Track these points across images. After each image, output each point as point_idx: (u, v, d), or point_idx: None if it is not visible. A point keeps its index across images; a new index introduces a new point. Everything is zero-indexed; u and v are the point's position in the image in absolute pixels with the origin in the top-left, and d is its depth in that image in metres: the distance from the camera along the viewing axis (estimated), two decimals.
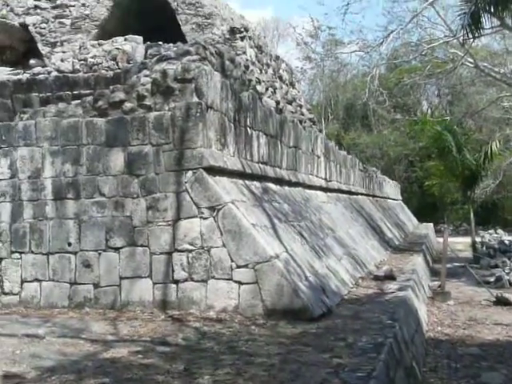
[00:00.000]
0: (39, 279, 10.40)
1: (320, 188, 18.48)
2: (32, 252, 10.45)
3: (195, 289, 9.74)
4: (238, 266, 9.56)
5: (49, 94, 14.51)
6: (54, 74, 14.96)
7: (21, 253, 10.50)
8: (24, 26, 17.38)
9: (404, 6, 26.97)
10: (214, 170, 10.13)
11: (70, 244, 10.30)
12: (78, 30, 15.94)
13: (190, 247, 9.78)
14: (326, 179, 19.64)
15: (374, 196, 32.25)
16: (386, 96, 26.41)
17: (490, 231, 39.52)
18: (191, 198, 9.83)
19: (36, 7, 16.68)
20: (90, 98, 10.52)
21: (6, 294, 10.51)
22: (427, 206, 56.76)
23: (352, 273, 13.40)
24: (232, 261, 9.59)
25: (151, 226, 9.97)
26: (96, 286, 10.16)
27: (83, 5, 16.16)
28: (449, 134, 25.49)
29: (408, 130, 55.92)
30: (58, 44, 16.02)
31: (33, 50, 18.01)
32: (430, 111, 61.44)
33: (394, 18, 26.29)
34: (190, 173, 9.87)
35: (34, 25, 16.46)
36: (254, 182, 12.09)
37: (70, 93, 14.36)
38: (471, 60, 25.54)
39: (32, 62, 16.53)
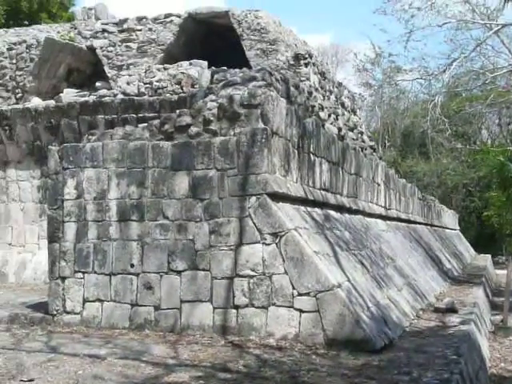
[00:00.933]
0: (101, 299, 10.49)
1: (379, 216, 18.26)
2: (95, 272, 10.55)
3: (255, 315, 9.67)
4: (300, 294, 9.46)
5: (114, 116, 14.83)
6: (120, 96, 15.24)
7: (84, 272, 10.61)
8: (91, 48, 17.78)
9: (467, 34, 26.52)
10: (277, 196, 10.09)
11: (132, 265, 10.37)
12: (144, 54, 16.22)
13: (252, 273, 9.73)
14: (385, 207, 19.42)
15: (432, 225, 31.73)
16: (447, 124, 25.99)
17: None
18: (254, 224, 9.80)
19: (104, 31, 17.06)
20: (156, 122, 10.63)
21: (67, 312, 10.62)
22: (485, 237, 55.57)
23: (412, 304, 13.13)
24: (293, 288, 9.50)
25: (213, 250, 9.97)
26: (157, 308, 10.19)
27: (150, 29, 16.44)
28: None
29: (468, 159, 55.07)
30: (124, 67, 16.33)
31: (99, 73, 18.40)
32: (490, 141, 60.38)
33: (456, 46, 25.85)
34: (253, 198, 9.85)
35: (101, 48, 16.84)
36: (316, 209, 12.00)
37: (135, 115, 14.65)
38: None
39: (98, 84, 16.88)
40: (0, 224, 16.42)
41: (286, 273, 9.57)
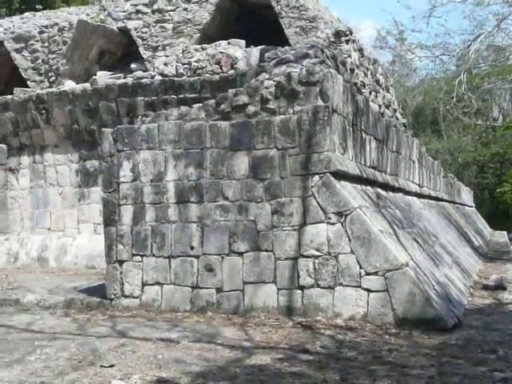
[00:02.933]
0: (160, 282, 10.37)
1: (415, 194, 18.10)
2: (153, 255, 10.42)
3: (322, 295, 9.55)
4: (367, 274, 9.33)
5: (154, 97, 14.66)
6: (158, 77, 15.03)
7: (142, 256, 10.48)
8: (123, 30, 17.54)
9: (486, 10, 26.19)
10: (338, 175, 9.93)
11: (192, 248, 10.23)
12: (180, 35, 15.98)
13: (317, 253, 9.60)
14: (419, 185, 19.26)
15: (454, 203, 31.57)
16: (473, 100, 25.76)
17: None
18: (318, 203, 9.65)
19: (138, 12, 16.81)
20: (212, 102, 10.45)
21: (126, 296, 10.51)
22: (498, 214, 55.43)
23: (463, 281, 13.02)
24: (361, 268, 9.37)
25: (276, 231, 9.83)
26: (219, 290, 10.07)
27: (185, 9, 16.19)
28: None
29: (481, 135, 54.69)
30: (160, 48, 16.11)
31: (130, 54, 18.18)
32: (501, 117, 59.97)
33: (477, 22, 25.52)
34: (316, 177, 9.69)
35: (135, 29, 16.60)
36: (368, 187, 11.85)
37: (175, 97, 14.48)
38: None
39: (133, 66, 16.66)
40: (38, 209, 16.28)
41: (352, 252, 9.43)
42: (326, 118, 9.70)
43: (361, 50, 15.72)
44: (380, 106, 16.37)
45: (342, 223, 9.53)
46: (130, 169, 10.62)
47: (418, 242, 11.85)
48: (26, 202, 16.13)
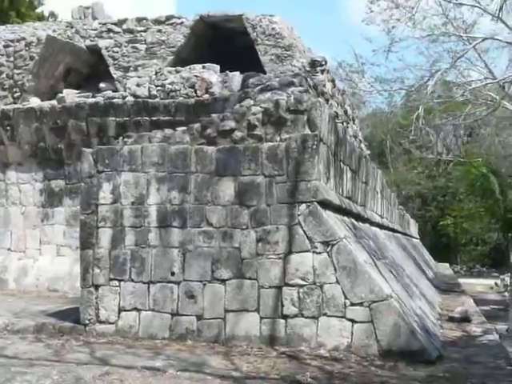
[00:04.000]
0: (138, 308, 10.09)
1: (377, 225, 18.24)
2: (132, 280, 10.15)
3: (305, 325, 9.46)
4: (352, 304, 9.29)
5: (126, 118, 14.44)
6: (130, 98, 14.81)
7: (120, 280, 10.20)
8: (91, 48, 17.26)
9: (441, 47, 26.86)
10: (324, 204, 9.91)
11: (173, 273, 10.02)
12: (154, 56, 15.80)
13: (302, 282, 9.52)
14: (381, 216, 19.43)
15: (405, 234, 32.02)
16: (431, 135, 26.35)
17: (510, 274, 39.16)
18: (304, 232, 9.59)
19: (109, 30, 16.57)
20: (197, 125, 10.33)
21: (101, 322, 10.18)
22: (440, 246, 56.46)
23: (431, 313, 13.12)
24: (346, 298, 9.33)
25: (261, 259, 9.71)
26: (199, 317, 9.86)
27: (159, 31, 16.04)
28: (493, 175, 25.35)
29: (425, 169, 55.79)
30: (132, 68, 15.88)
31: (97, 73, 17.88)
32: (445, 151, 61.38)
33: (433, 59, 26.13)
34: (303, 206, 9.65)
35: (106, 48, 16.33)
36: (345, 217, 11.87)
37: (148, 118, 14.31)
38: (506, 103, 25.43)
39: (102, 85, 16.37)
40: None
41: (337, 282, 9.39)
42: (314, 146, 9.69)
43: (333, 81, 15.87)
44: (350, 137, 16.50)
45: (328, 253, 9.49)
46: (110, 190, 10.35)
47: (392, 273, 11.90)
48: None
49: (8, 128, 15.33)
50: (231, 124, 10.16)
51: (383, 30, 23.13)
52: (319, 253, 9.51)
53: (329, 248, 9.50)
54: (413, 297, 12.17)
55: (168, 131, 10.47)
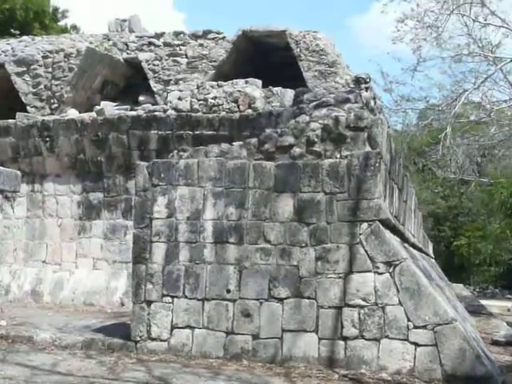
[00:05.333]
0: (192, 326, 9.86)
1: (412, 244, 18.00)
2: (186, 297, 9.93)
3: (366, 347, 9.21)
4: (416, 327, 9.05)
5: (168, 132, 14.31)
6: (171, 112, 14.68)
7: (173, 297, 9.98)
8: (128, 61, 17.18)
9: (465, 67, 26.72)
10: (384, 223, 9.70)
11: (228, 291, 9.79)
12: (195, 70, 15.68)
13: (363, 303, 9.28)
14: (413, 235, 19.19)
15: (427, 254, 31.76)
16: (458, 154, 26.14)
17: None
18: (365, 251, 9.38)
19: (150, 44, 16.49)
20: (254, 140, 10.15)
21: (153, 339, 9.95)
22: (454, 266, 56.03)
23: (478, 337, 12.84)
24: (409, 320, 9.09)
25: (320, 278, 9.48)
26: (255, 337, 9.62)
27: (200, 45, 15.93)
28: None
29: (442, 188, 55.49)
30: (172, 82, 15.75)
31: (132, 86, 17.80)
32: (458, 172, 61.08)
33: (458, 78, 25.98)
34: (365, 224, 9.44)
35: (146, 61, 16.22)
36: (397, 237, 11.63)
37: (191, 132, 14.16)
38: None
39: (141, 98, 16.27)
40: (34, 240, 15.52)
41: (400, 304, 9.15)
42: (377, 164, 9.51)
43: (374, 98, 15.72)
44: None
45: (390, 273, 9.26)
46: (165, 204, 10.16)
47: (445, 296, 11.67)
48: (20, 231, 15.37)
49: (47, 139, 15.20)
50: (290, 140, 9.98)
51: (409, 49, 22.99)
52: (381, 273, 9.29)
53: (391, 268, 9.27)
54: (465, 320, 11.92)
55: (224, 146, 10.29)
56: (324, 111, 10.45)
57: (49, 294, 14.93)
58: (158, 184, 10.22)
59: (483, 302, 32.50)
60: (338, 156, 9.76)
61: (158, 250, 10.12)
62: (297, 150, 9.93)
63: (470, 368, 8.77)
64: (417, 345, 9.03)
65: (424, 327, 9.02)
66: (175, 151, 10.47)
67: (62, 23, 37.92)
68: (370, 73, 15.88)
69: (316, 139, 9.92)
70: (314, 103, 10.83)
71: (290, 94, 13.43)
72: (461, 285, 44.45)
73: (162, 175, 10.21)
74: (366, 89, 14.54)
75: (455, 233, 57.21)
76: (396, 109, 28.23)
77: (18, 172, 11.74)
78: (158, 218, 10.17)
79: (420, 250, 22.34)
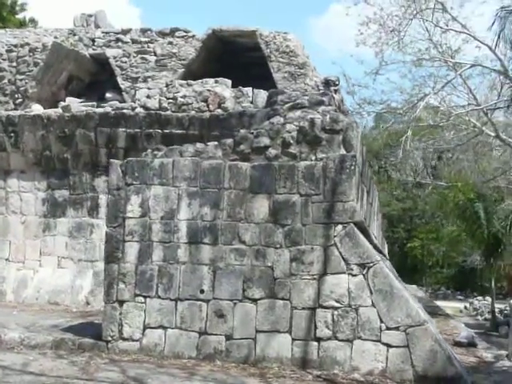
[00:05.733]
0: (165, 326, 9.81)
1: (374, 246, 18.20)
2: (159, 297, 9.87)
3: (339, 348, 9.31)
4: (388, 328, 9.20)
5: (137, 130, 14.20)
6: (139, 110, 14.55)
7: (146, 297, 9.91)
8: (94, 57, 16.95)
9: (424, 72, 27.15)
10: (358, 226, 9.80)
11: (202, 291, 9.77)
12: (164, 68, 15.56)
13: (336, 304, 9.37)
14: (375, 237, 19.41)
15: (384, 255, 32.16)
16: (419, 158, 26.54)
17: (478, 298, 39.58)
18: (340, 253, 9.47)
19: (118, 40, 16.29)
20: (230, 141, 10.14)
21: (124, 339, 9.87)
22: (407, 267, 56.75)
23: None
24: (381, 322, 9.23)
25: (294, 279, 9.54)
26: (228, 337, 9.62)
27: (170, 43, 15.81)
28: (478, 200, 25.55)
29: (398, 191, 56.28)
30: (140, 80, 15.60)
31: (97, 83, 17.59)
32: (412, 174, 61.96)
33: (415, 81, 26.37)
34: (339, 227, 9.53)
35: (114, 58, 16.02)
36: None
37: (160, 131, 14.09)
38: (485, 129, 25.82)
39: (108, 95, 16.07)
40: None
41: (373, 305, 9.28)
42: (352, 167, 9.62)
43: (342, 101, 15.84)
44: None
45: (364, 275, 9.38)
46: (138, 204, 10.08)
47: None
48: None
49: (12, 135, 14.89)
50: (265, 141, 10.01)
51: (372, 51, 23.25)
52: (355, 275, 9.40)
53: (365, 270, 9.39)
54: (430, 321, 12.10)
55: (199, 145, 10.26)
56: (298, 113, 10.51)
57: (12, 292, 14.65)
58: (132, 183, 10.14)
59: (437, 302, 33.14)
60: (314, 158, 9.83)
61: (131, 250, 10.04)
62: (272, 152, 9.96)
63: (441, 369, 8.94)
64: (389, 346, 9.17)
65: (396, 329, 9.17)
66: (149, 150, 10.38)
67: (20, 16, 37.20)
68: (333, 74, 16.02)
69: (292, 141, 9.96)
70: (289, 105, 10.87)
71: (262, 94, 13.45)
72: (414, 286, 45.11)
73: (136, 174, 10.13)
74: (335, 91, 14.64)
75: (409, 235, 57.94)
76: (358, 111, 28.54)
77: None
78: (131, 218, 10.09)
79: (380, 251, 22.63)
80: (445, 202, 32.01)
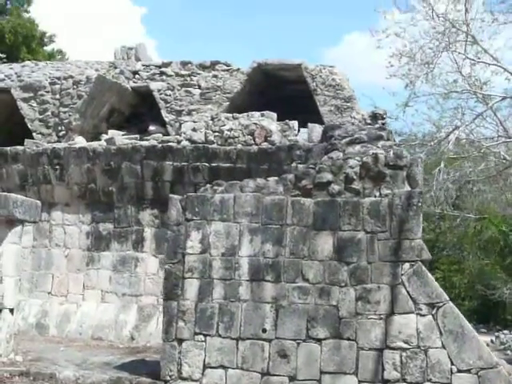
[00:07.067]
0: (225, 366, 9.56)
1: None
2: (219, 335, 9.64)
3: None
4: (459, 371, 8.92)
5: (184, 163, 14.10)
6: (185, 143, 14.47)
7: (206, 335, 9.68)
8: (135, 89, 16.94)
9: (451, 104, 27.05)
10: (425, 264, 9.56)
11: (264, 330, 9.54)
12: (209, 101, 15.49)
13: (405, 345, 9.11)
14: None
15: None
16: (452, 190, 26.25)
17: (504, 331, 38.84)
18: (407, 292, 9.23)
19: (162, 73, 16.27)
20: (291, 176, 9.98)
21: (183, 379, 9.63)
22: None
23: None
24: (452, 364, 8.96)
25: (360, 319, 9.29)
26: (292, 378, 9.36)
27: (215, 76, 15.77)
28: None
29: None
30: (184, 113, 15.52)
31: (137, 115, 17.57)
32: (434, 205, 61.47)
33: (443, 113, 26.28)
34: (407, 265, 9.31)
35: (158, 91, 15.98)
36: None
37: (207, 164, 13.97)
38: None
39: (152, 128, 16.00)
40: (39, 270, 15.02)
41: (443, 347, 9.01)
42: (419, 204, 9.44)
43: (390, 133, 15.68)
44: None
45: (433, 315, 9.12)
46: (198, 240, 9.90)
47: None
48: (26, 261, 14.87)
49: (57, 167, 14.82)
50: (328, 176, 9.83)
51: (401, 83, 23.14)
52: (424, 315, 9.15)
53: (434, 310, 9.14)
54: None
55: (260, 181, 10.09)
56: (358, 148, 10.36)
57: (55, 326, 14.43)
58: (192, 218, 9.97)
59: None
60: (377, 194, 9.64)
61: (191, 287, 9.84)
62: (335, 187, 9.78)
63: None
64: None
65: (468, 371, 8.90)
66: (208, 185, 10.23)
67: (48, 48, 37.58)
68: (363, 107, 15.92)
69: (355, 176, 9.79)
70: (347, 139, 10.71)
71: (317, 129, 13.32)
72: None
73: (196, 209, 9.97)
74: (383, 124, 14.53)
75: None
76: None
77: (38, 202, 11.40)
78: (191, 254, 9.91)
79: None
80: (474, 233, 31.70)
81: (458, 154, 30.01)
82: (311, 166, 10.17)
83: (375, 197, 9.62)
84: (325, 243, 9.56)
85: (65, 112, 16.05)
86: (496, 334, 34.60)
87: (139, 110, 17.61)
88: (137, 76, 16.85)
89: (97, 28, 64.23)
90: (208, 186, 10.30)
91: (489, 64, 24.94)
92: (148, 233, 14.52)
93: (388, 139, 10.89)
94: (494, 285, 35.69)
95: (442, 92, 25.91)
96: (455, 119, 28.54)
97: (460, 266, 42.26)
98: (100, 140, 15.95)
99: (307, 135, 13.54)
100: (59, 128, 16.05)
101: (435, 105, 29.22)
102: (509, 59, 24.62)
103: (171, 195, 10.24)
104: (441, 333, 9.05)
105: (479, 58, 25.18)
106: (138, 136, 15.76)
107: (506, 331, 36.59)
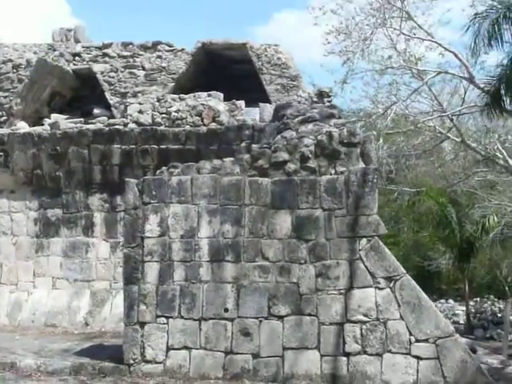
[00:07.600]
0: (189, 347, 9.62)
1: None
2: (181, 317, 9.68)
3: (369, 363, 9.28)
4: (418, 340, 9.23)
5: (132, 146, 13.96)
6: (132, 125, 14.30)
7: (168, 317, 9.70)
8: (76, 72, 16.62)
9: (385, 80, 27.51)
10: (381, 238, 9.79)
11: (226, 310, 9.62)
12: (153, 82, 15.34)
13: (364, 318, 9.35)
14: None
15: None
16: (391, 165, 26.76)
17: (441, 301, 40.03)
18: (366, 267, 9.46)
19: (104, 55, 15.99)
20: (247, 156, 10.03)
21: (147, 361, 9.64)
22: None
23: None
24: (410, 334, 9.25)
25: (321, 295, 9.48)
26: (255, 356, 9.50)
27: (159, 57, 15.60)
28: (450, 205, 25.89)
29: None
30: (129, 95, 15.34)
31: (78, 98, 17.27)
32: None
33: (379, 89, 26.71)
34: (364, 240, 9.52)
35: (101, 73, 15.72)
36: None
37: (156, 147, 13.87)
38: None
39: (96, 111, 15.74)
40: None
41: (401, 318, 9.29)
42: (375, 180, 9.64)
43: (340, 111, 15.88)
44: None
45: (391, 288, 9.38)
46: (157, 223, 9.88)
47: None
48: None
49: (1, 154, 14.46)
50: (284, 156, 9.93)
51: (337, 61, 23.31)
52: (382, 288, 9.39)
53: (392, 283, 9.39)
54: None
55: (217, 162, 10.11)
56: (311, 126, 10.48)
57: (6, 315, 14.16)
58: (150, 202, 9.93)
59: None
60: (333, 172, 9.80)
61: (151, 270, 9.82)
62: (291, 166, 9.89)
63: (472, 379, 9.02)
64: (419, 358, 9.19)
65: (426, 341, 9.20)
66: (164, 168, 10.18)
67: None
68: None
69: (310, 155, 9.91)
70: (299, 118, 10.81)
71: (269, 108, 13.37)
72: None
73: (154, 192, 9.93)
74: (329, 102, 14.71)
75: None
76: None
77: None
78: (150, 237, 9.87)
79: None
80: (408, 206, 32.42)
81: (394, 130, 30.66)
82: (266, 145, 10.24)
83: (331, 174, 9.78)
84: (283, 222, 9.67)
85: (5, 97, 15.65)
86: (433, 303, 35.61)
87: (81, 93, 17.31)
88: (77, 58, 16.53)
89: (20, 10, 62.13)
90: (164, 168, 10.24)
91: (423, 39, 25.46)
92: (98, 217, 14.36)
93: (339, 117, 11.05)
94: (431, 256, 36.71)
95: (378, 68, 26.35)
96: (391, 95, 29.05)
97: (396, 238, 43.27)
98: (43, 125, 15.61)
99: (259, 115, 13.60)
100: (0, 113, 15.62)
101: (371, 81, 29.58)
102: (442, 35, 25.02)
103: (127, 179, 10.14)
104: (399, 305, 9.31)
105: (414, 34, 25.70)
106: (82, 120, 15.50)
107: (442, 300, 37.74)
